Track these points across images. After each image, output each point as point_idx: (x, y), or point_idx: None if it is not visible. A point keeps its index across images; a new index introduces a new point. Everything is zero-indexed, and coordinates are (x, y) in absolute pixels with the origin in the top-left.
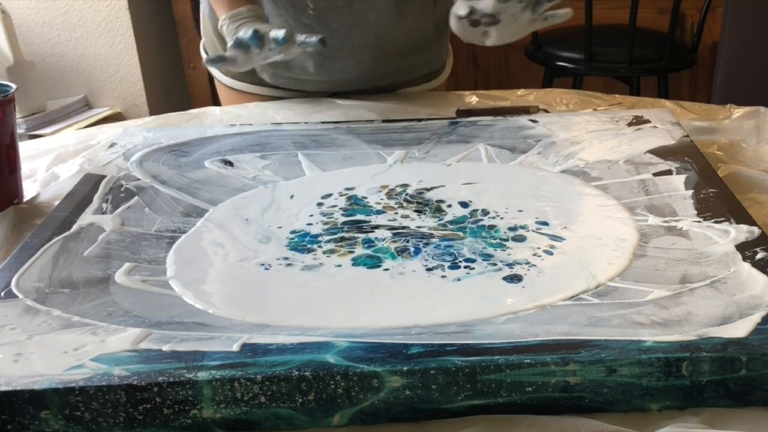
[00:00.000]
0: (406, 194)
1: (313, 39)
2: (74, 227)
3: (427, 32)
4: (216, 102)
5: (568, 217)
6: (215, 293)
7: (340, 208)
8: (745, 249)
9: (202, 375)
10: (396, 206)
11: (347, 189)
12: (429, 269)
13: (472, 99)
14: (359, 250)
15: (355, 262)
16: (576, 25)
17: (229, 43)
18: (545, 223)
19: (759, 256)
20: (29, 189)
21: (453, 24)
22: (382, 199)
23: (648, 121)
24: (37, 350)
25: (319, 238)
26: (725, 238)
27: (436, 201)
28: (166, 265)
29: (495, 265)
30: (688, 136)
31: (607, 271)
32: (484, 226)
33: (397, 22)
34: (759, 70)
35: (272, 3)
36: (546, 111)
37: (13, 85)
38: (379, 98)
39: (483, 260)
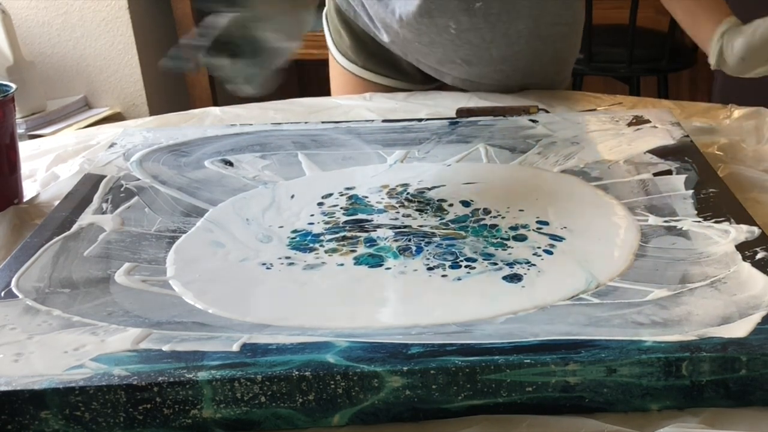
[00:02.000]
0: (407, 193)
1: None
2: (74, 227)
3: (558, 50)
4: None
5: (568, 217)
6: (215, 293)
7: (341, 208)
8: (745, 249)
9: (202, 375)
10: (397, 205)
11: (348, 189)
12: (430, 268)
13: (472, 99)
14: (361, 249)
15: (358, 261)
16: None
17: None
18: (545, 223)
19: (759, 256)
20: (29, 189)
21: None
22: (383, 199)
23: (648, 121)
24: (37, 350)
25: (321, 238)
26: (725, 238)
27: (438, 200)
28: (166, 265)
29: (496, 264)
30: (688, 136)
31: (607, 271)
32: (486, 225)
33: (526, 40)
34: None
35: (415, 26)
36: (546, 111)
37: (13, 85)
38: (381, 98)
39: (484, 259)
